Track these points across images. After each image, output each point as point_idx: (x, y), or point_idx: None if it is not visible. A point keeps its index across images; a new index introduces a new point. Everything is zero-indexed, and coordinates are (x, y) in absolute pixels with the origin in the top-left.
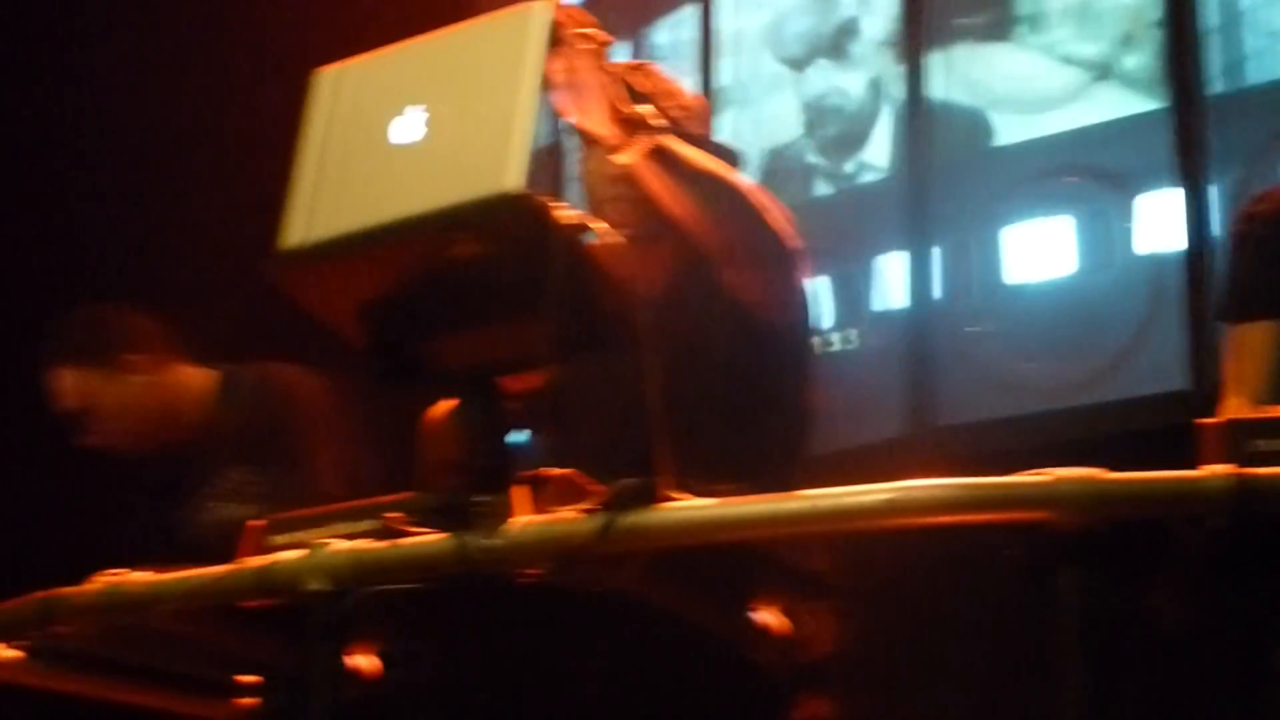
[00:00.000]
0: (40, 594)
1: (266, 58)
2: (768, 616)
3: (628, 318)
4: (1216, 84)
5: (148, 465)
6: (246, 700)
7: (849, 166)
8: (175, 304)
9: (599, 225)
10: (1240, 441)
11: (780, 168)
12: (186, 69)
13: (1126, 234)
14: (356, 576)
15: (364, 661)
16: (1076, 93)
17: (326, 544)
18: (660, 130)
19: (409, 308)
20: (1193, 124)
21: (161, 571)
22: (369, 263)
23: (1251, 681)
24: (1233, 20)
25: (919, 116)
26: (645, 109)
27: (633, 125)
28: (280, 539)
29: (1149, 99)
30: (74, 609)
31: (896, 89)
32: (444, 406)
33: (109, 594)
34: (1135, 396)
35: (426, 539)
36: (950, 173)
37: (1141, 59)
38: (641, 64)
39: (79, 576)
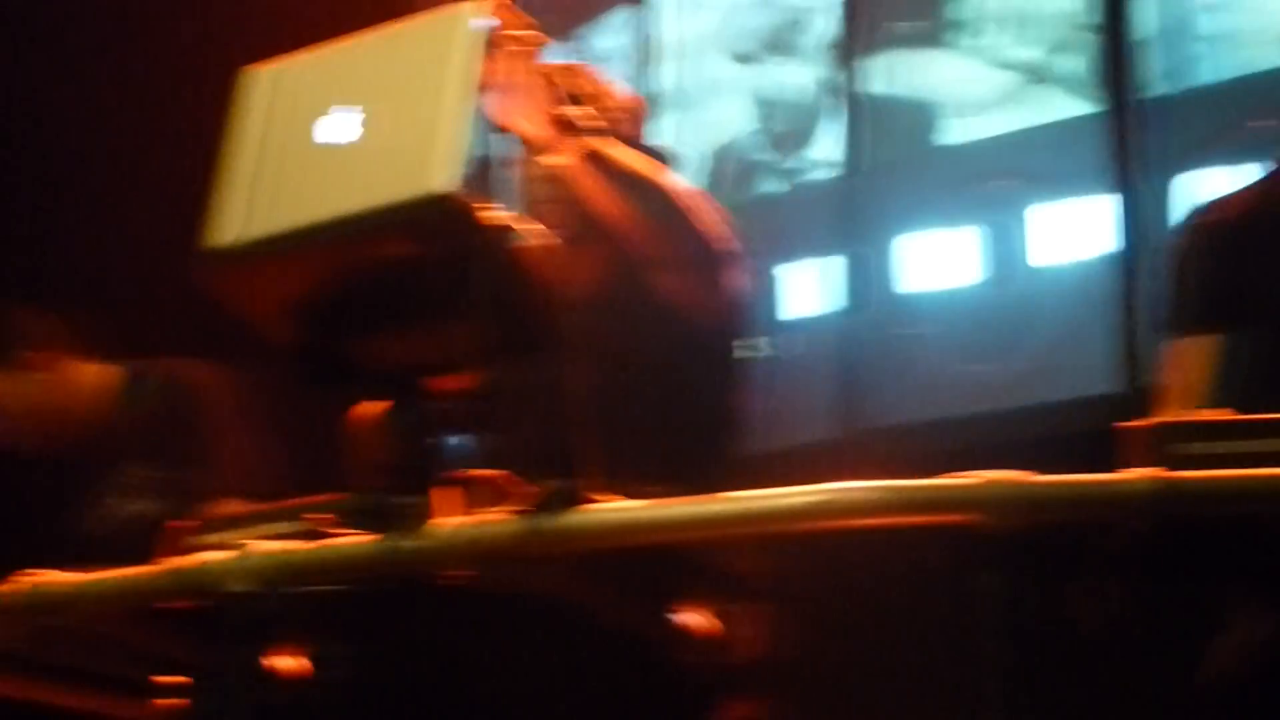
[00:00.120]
0: None
1: (189, 55)
2: (696, 618)
3: (556, 320)
4: (1150, 88)
5: (47, 463)
6: (173, 701)
7: (786, 170)
8: (88, 301)
9: (529, 227)
10: (1164, 445)
11: (716, 171)
12: (106, 65)
13: (1058, 237)
14: (283, 578)
15: (291, 663)
16: (1010, 97)
17: (253, 545)
18: (592, 132)
19: (337, 308)
20: (1126, 128)
21: (74, 571)
22: (298, 262)
23: (1177, 684)
24: (1167, 25)
25: (856, 121)
26: (577, 111)
27: (564, 127)
28: (205, 539)
29: (1083, 103)
30: None
31: (833, 94)
32: (371, 407)
33: (33, 595)
34: (1065, 399)
35: (353, 541)
36: (886, 176)
37: (1076, 64)
38: (574, 65)
39: None
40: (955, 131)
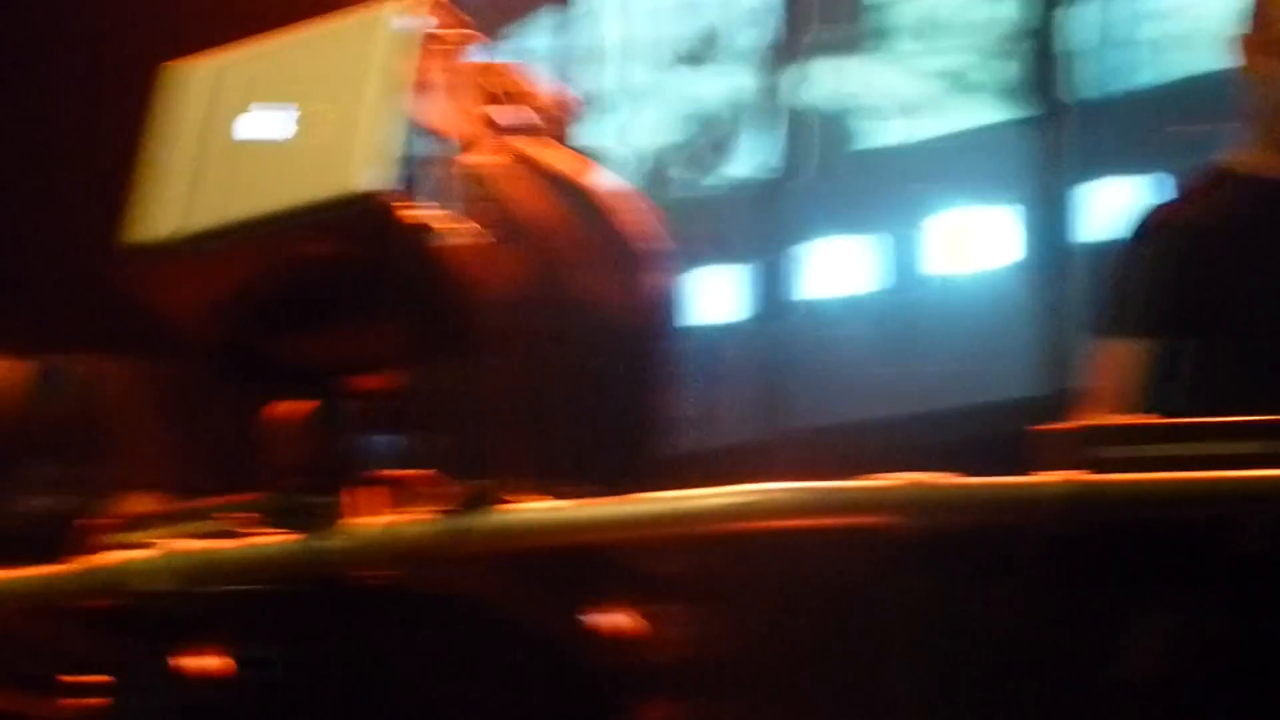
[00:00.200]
0: None
1: (109, 49)
2: (617, 619)
3: (479, 319)
4: (1075, 94)
5: None
6: (85, 700)
7: (711, 172)
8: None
9: (452, 226)
10: (1080, 448)
11: (645, 171)
12: (22, 57)
13: (984, 240)
14: (201, 577)
15: (208, 663)
16: (935, 103)
17: (172, 544)
18: (518, 131)
19: (259, 306)
20: (1052, 133)
21: None
22: (220, 260)
23: (1094, 683)
24: (1094, 31)
25: (781, 126)
26: (504, 109)
27: (490, 126)
28: (122, 538)
29: (1007, 109)
30: None
31: (760, 99)
32: (292, 406)
33: None
34: (988, 401)
35: (272, 540)
36: (811, 180)
37: (1004, 70)
38: (500, 64)
39: None
40: (879, 136)
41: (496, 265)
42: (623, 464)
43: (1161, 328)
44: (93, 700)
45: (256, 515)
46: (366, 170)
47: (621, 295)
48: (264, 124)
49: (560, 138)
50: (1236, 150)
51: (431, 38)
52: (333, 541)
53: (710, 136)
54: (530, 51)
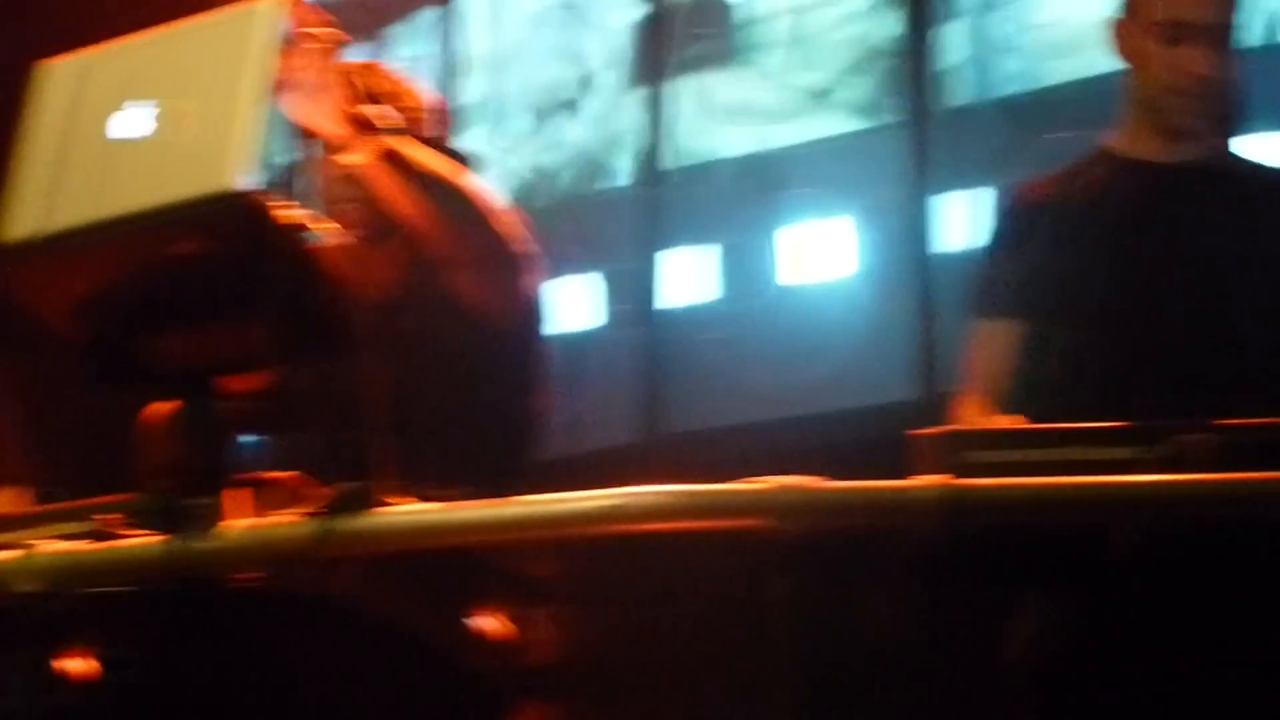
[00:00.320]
0: None
1: None
2: (490, 623)
3: (351, 320)
4: (946, 100)
5: None
6: None
7: (585, 175)
8: None
9: (324, 226)
10: (953, 453)
11: (519, 173)
12: None
13: (857, 245)
14: (71, 578)
15: (79, 664)
16: (805, 112)
17: (41, 545)
18: (390, 131)
19: (129, 305)
20: (922, 138)
21: None
22: (89, 259)
23: (965, 683)
24: (964, 41)
25: (657, 129)
26: (375, 109)
27: (362, 126)
28: None
29: (882, 113)
30: None
31: (636, 105)
32: (163, 406)
33: None
34: (863, 405)
35: (142, 541)
36: (685, 184)
37: (875, 75)
38: (372, 64)
39: None
40: (748, 144)
41: (368, 265)
42: (495, 467)
43: (1032, 308)
44: None
45: (128, 516)
46: (238, 169)
47: (495, 297)
48: (133, 122)
49: (431, 139)
50: (1114, 133)
51: (302, 37)
52: (199, 543)
53: (575, 146)
54: (402, 57)
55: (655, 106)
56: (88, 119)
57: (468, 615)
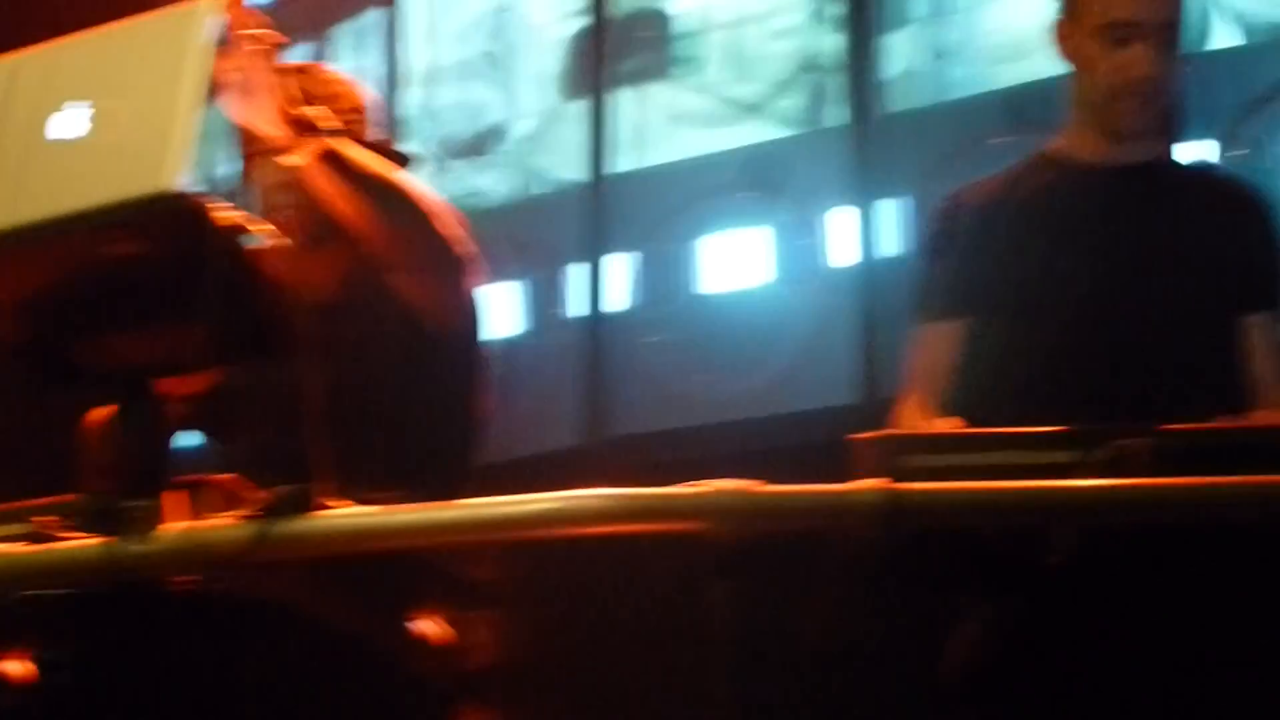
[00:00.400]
0: None
1: None
2: (429, 626)
3: (290, 322)
4: (894, 104)
5: None
6: None
7: (531, 177)
8: None
9: (262, 227)
10: (892, 457)
11: (463, 176)
12: None
13: (799, 250)
14: (8, 581)
15: (16, 667)
16: (747, 116)
17: None
18: (330, 133)
19: (65, 306)
20: (865, 143)
21: None
22: (25, 260)
23: (903, 687)
24: (905, 42)
25: (600, 131)
26: (315, 111)
27: (301, 127)
28: None
29: (826, 118)
30: None
31: (579, 103)
32: (104, 409)
33: None
34: (806, 409)
35: (80, 544)
36: (630, 186)
37: (817, 80)
38: (311, 65)
39: None
40: (699, 143)
41: (310, 267)
42: (436, 470)
43: (973, 310)
44: None
45: (66, 518)
46: (175, 170)
47: (436, 298)
48: (73, 122)
49: (372, 139)
50: (1059, 134)
51: (241, 38)
52: (141, 545)
53: (514, 153)
54: (342, 63)
55: (595, 114)
56: (22, 120)
57: (407, 618)
